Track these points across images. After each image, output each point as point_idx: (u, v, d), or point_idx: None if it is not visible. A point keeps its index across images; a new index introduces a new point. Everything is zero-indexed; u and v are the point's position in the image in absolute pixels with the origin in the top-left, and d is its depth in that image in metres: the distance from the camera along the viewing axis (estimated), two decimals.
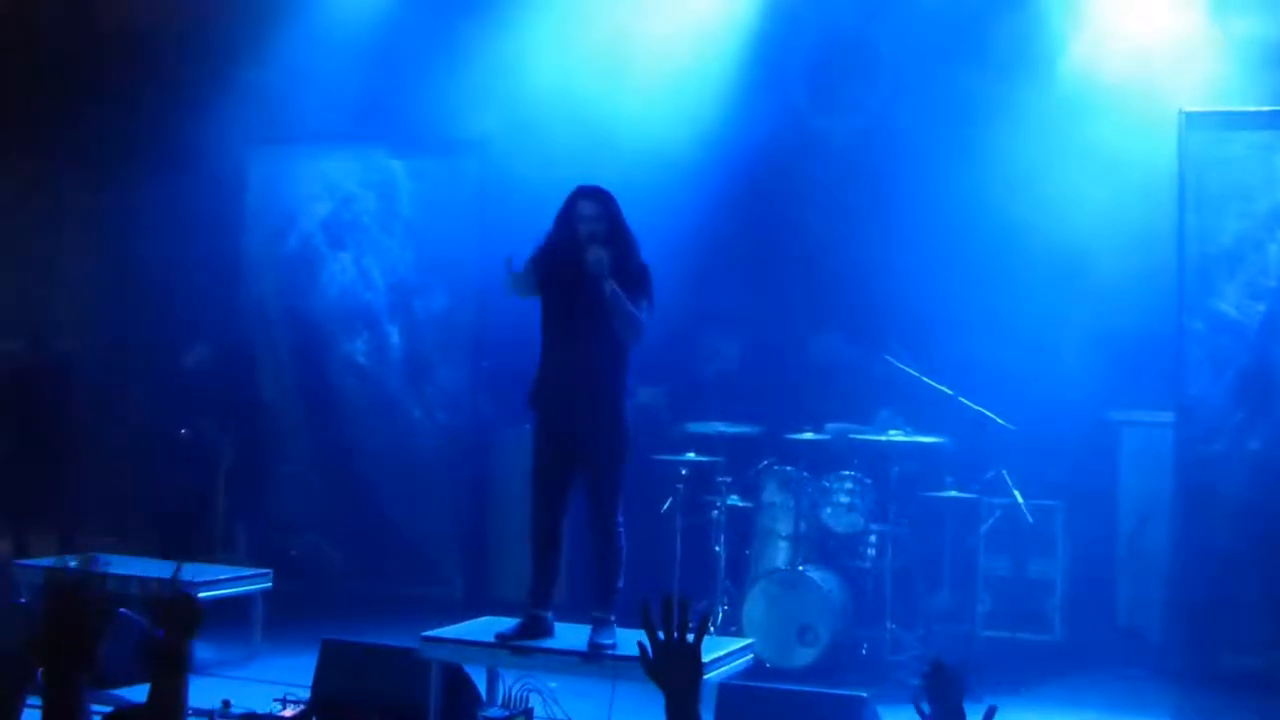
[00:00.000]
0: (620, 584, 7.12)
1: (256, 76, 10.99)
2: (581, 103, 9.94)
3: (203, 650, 8.67)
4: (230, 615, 8.97)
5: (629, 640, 7.10)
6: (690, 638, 3.60)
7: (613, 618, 7.10)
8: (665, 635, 3.60)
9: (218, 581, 8.88)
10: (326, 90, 10.95)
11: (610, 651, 6.98)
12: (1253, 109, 9.16)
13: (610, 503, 7.09)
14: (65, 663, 3.48)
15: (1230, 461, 9.14)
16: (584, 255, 6.93)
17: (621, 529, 7.11)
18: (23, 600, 8.81)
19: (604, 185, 7.16)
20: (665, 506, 9.45)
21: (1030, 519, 9.17)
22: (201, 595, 8.56)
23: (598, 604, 7.13)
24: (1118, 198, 9.37)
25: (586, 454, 7.08)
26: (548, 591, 7.24)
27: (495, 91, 10.23)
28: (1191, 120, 9.16)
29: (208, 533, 11.28)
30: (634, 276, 7.04)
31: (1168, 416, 9.40)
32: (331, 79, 10.87)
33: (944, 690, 3.70)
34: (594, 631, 7.05)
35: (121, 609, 8.44)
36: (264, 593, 9.04)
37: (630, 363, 7.10)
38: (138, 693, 7.91)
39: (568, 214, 7.08)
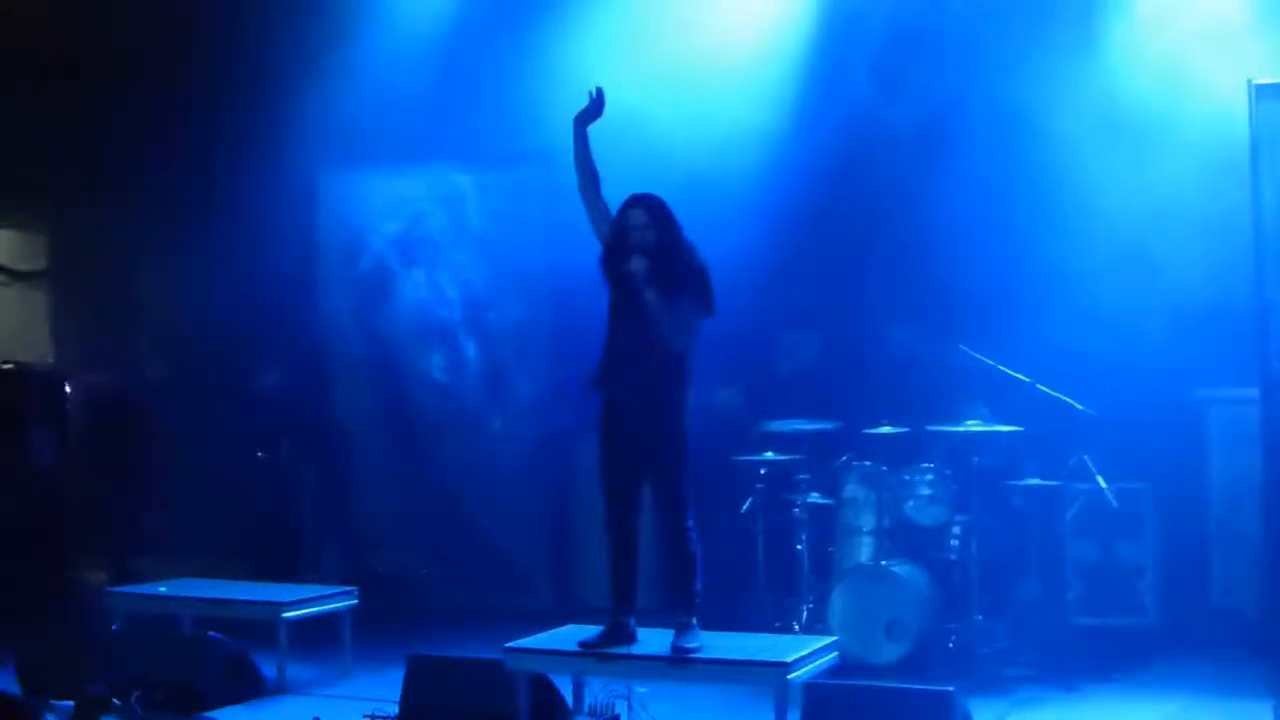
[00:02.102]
0: (699, 586, 7.10)
1: (323, 99, 11.06)
2: (646, 106, 9.92)
3: (294, 669, 8.76)
4: (319, 634, 9.04)
5: (712, 642, 7.10)
6: None
7: (695, 621, 7.08)
8: None
9: (304, 601, 8.94)
10: (392, 109, 11.00)
11: (694, 654, 6.96)
12: None
13: (677, 505, 7.07)
14: None
15: None
16: (625, 265, 6.99)
17: (692, 531, 7.09)
18: (115, 628, 8.91)
19: (655, 186, 7.19)
20: (746, 507, 9.42)
21: (1115, 504, 9.04)
22: (288, 615, 8.69)
23: (678, 608, 7.11)
24: (1191, 173, 9.22)
25: (649, 458, 7.08)
26: (628, 596, 7.23)
27: (558, 100, 10.20)
28: (1261, 91, 9.00)
29: (295, 554, 11.39)
30: (685, 281, 7.04)
31: (1254, 393, 9.23)
32: (396, 98, 10.92)
33: None
34: (677, 635, 7.04)
35: (211, 632, 8.57)
36: (352, 610, 9.09)
37: (690, 365, 7.09)
38: (229, 714, 8.03)
39: (619, 223, 7.13)
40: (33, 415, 11.73)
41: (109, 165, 11.59)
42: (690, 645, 6.99)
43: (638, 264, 6.95)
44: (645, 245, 7.02)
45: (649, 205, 7.14)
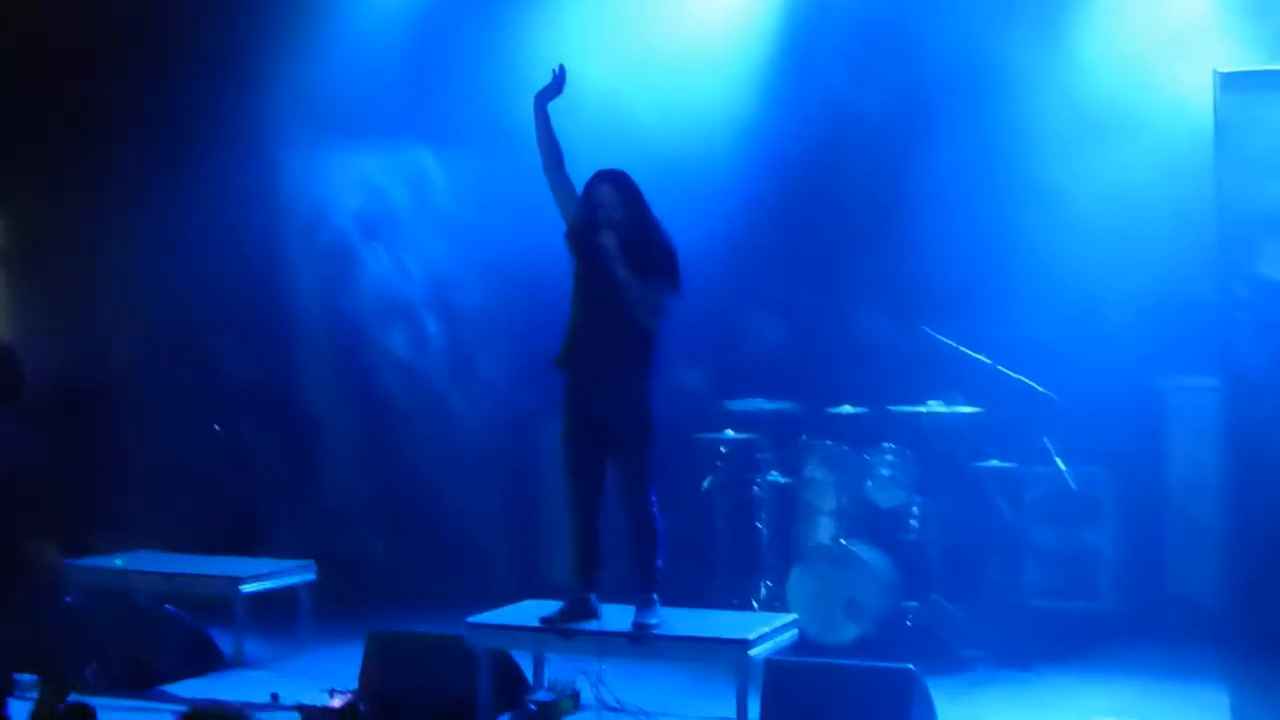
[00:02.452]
0: (660, 563, 7.11)
1: (287, 74, 11.00)
2: (615, 89, 9.92)
3: (251, 645, 8.73)
4: (276, 610, 9.02)
5: (673, 619, 7.10)
6: None
7: (656, 597, 7.09)
8: None
9: (261, 575, 8.92)
10: (358, 84, 10.94)
11: (656, 631, 6.96)
12: None
13: (640, 483, 7.08)
14: None
15: (1278, 423, 9.02)
16: (595, 240, 6.97)
17: (654, 508, 7.09)
18: (69, 600, 8.86)
19: (627, 167, 7.18)
20: (706, 485, 9.43)
21: (1074, 486, 9.09)
22: (246, 589, 8.66)
23: (640, 584, 7.11)
24: (1156, 163, 9.26)
25: (612, 436, 7.08)
26: (589, 573, 7.23)
27: (528, 81, 10.18)
28: (1227, 81, 9.02)
29: (253, 531, 11.33)
30: (653, 258, 7.04)
31: (1213, 381, 9.28)
32: (362, 72, 10.87)
33: None
34: (638, 612, 7.04)
35: (167, 606, 8.53)
36: (310, 585, 9.06)
37: (656, 344, 7.08)
38: (186, 688, 7.99)
39: (587, 198, 7.11)
40: None
41: (67, 141, 11.50)
42: (651, 621, 6.99)
43: (608, 239, 6.93)
44: (613, 222, 7.01)
45: (617, 182, 7.13)
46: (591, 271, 7.08)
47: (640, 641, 6.97)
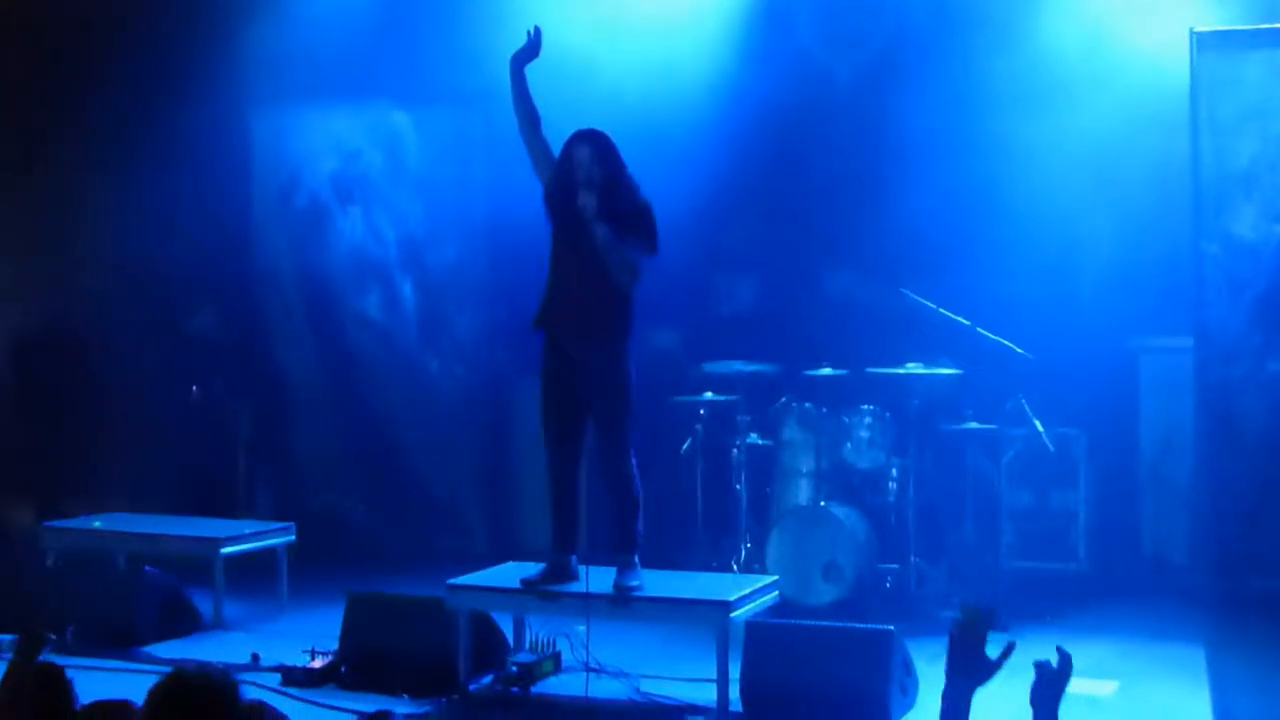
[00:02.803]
0: (640, 526, 7.11)
1: (256, 34, 10.92)
2: (587, 49, 9.86)
3: (229, 606, 8.73)
4: (255, 570, 9.01)
5: (654, 581, 7.12)
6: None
7: (636, 559, 7.10)
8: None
9: (241, 536, 8.91)
10: (330, 44, 10.86)
11: (636, 593, 6.98)
12: (1266, 26, 9.04)
13: (620, 445, 7.07)
14: None
15: (1251, 384, 9.10)
16: (573, 201, 6.95)
17: (634, 470, 7.10)
18: (49, 563, 8.84)
19: (602, 128, 7.15)
20: (684, 448, 9.45)
21: (1051, 448, 9.14)
22: (225, 551, 8.65)
23: (620, 546, 7.12)
24: (1131, 123, 9.30)
25: (590, 396, 7.08)
26: (569, 535, 7.24)
27: (500, 41, 10.11)
28: (1203, 40, 9.06)
29: (229, 493, 11.32)
30: (631, 218, 7.01)
31: (1187, 342, 9.34)
32: (334, 32, 10.79)
33: (972, 634, 3.87)
34: (619, 574, 7.05)
35: (146, 567, 8.51)
36: (289, 547, 9.06)
37: (634, 304, 7.08)
38: (165, 649, 7.99)
39: (564, 159, 7.08)
40: None
41: (36, 98, 11.40)
42: (632, 584, 7.00)
43: (587, 199, 6.91)
44: (591, 182, 6.98)
45: (595, 141, 7.09)
46: (569, 233, 7.06)
47: (621, 603, 6.98)
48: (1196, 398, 9.31)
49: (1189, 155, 9.19)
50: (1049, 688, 3.81)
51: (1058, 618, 8.60)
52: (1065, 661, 3.84)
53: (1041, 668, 3.82)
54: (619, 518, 7.16)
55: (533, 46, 7.25)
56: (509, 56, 7.28)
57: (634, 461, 7.13)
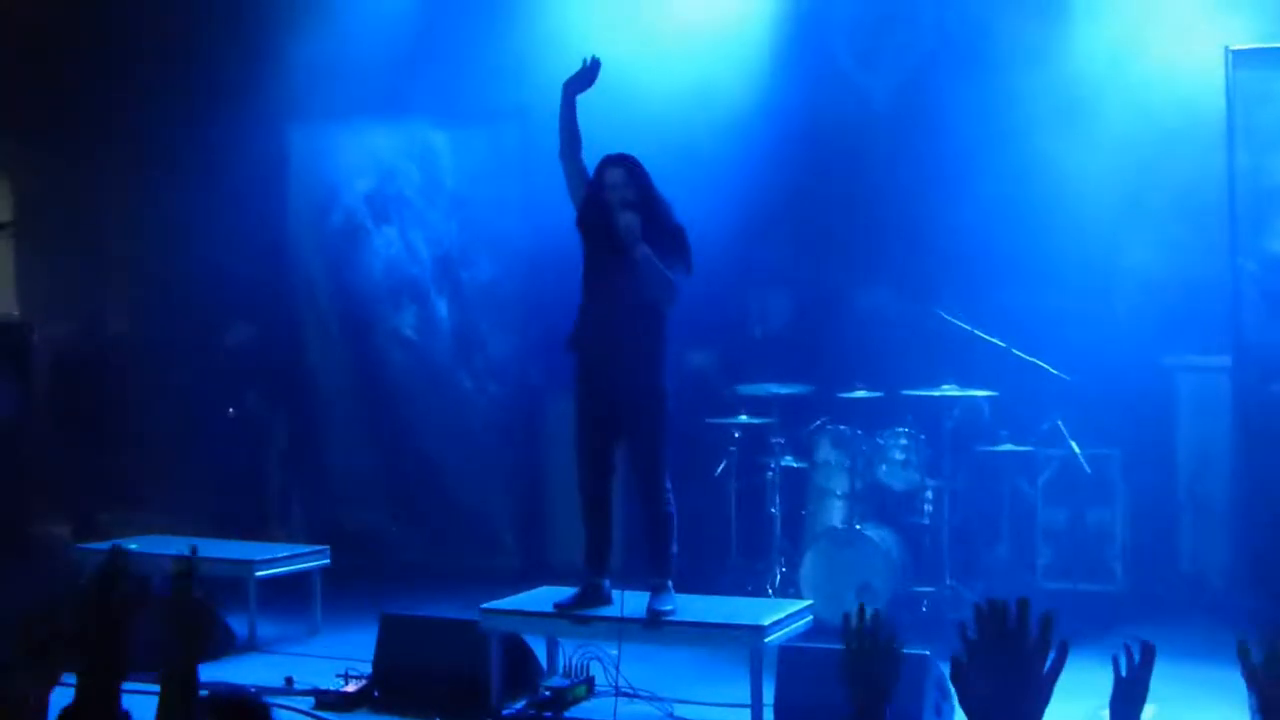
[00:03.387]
0: (674, 549, 7.10)
1: (295, 53, 10.97)
2: (622, 68, 9.82)
3: (264, 628, 8.74)
4: (290, 592, 9.02)
5: (687, 605, 7.10)
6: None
7: (669, 584, 7.08)
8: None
9: (275, 560, 8.91)
10: (368, 63, 10.91)
11: (669, 617, 6.96)
12: None
13: (655, 467, 7.06)
14: (97, 651, 3.45)
15: None
16: (615, 222, 6.93)
17: (669, 493, 7.08)
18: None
19: (638, 147, 7.15)
20: (719, 470, 9.43)
21: (1088, 469, 9.10)
22: (260, 574, 8.65)
23: (654, 570, 7.10)
24: (1166, 140, 9.27)
25: (626, 418, 7.06)
26: (602, 558, 7.22)
27: (535, 59, 10.17)
28: (1238, 58, 9.02)
29: (263, 510, 11.35)
30: (667, 239, 7.01)
31: (1224, 360, 9.29)
32: (372, 51, 10.84)
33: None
34: (652, 598, 7.03)
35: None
36: (322, 569, 9.07)
37: (669, 326, 7.06)
38: (201, 671, 7.98)
39: (596, 183, 7.08)
40: None
41: (78, 115, 11.49)
42: (665, 608, 6.98)
43: (630, 219, 6.89)
44: (627, 203, 6.97)
45: (627, 163, 7.09)
46: (602, 255, 7.05)
47: (655, 627, 6.96)
48: (1234, 415, 9.25)
49: (1225, 172, 9.13)
50: (1132, 687, 3.30)
51: (1095, 639, 8.53)
52: (1148, 654, 3.32)
53: (1120, 666, 3.29)
54: (653, 541, 7.14)
55: (588, 76, 7.20)
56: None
57: (669, 485, 7.11)
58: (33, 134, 11.76)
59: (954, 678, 3.22)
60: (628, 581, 7.28)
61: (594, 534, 7.26)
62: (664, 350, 7.08)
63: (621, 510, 7.48)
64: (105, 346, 12.09)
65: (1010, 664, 3.13)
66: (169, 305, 11.72)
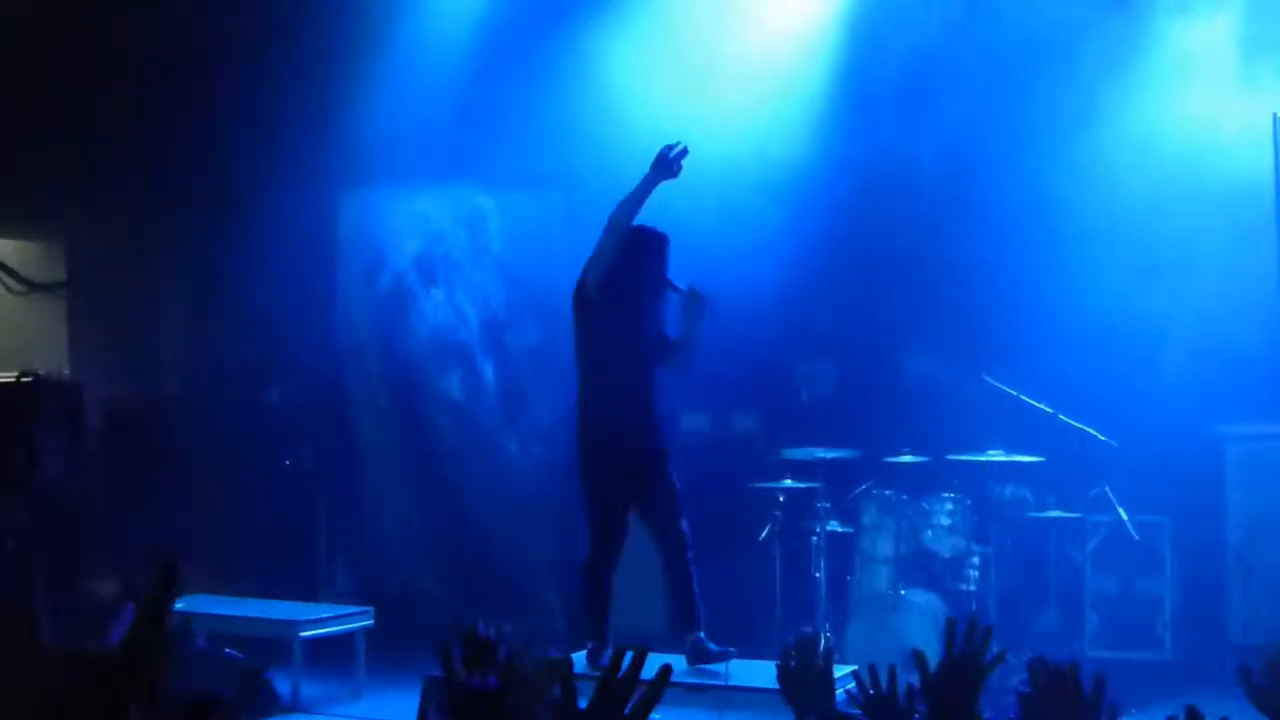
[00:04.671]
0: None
1: (347, 118, 11.07)
2: (667, 132, 9.91)
3: (308, 688, 8.74)
4: (334, 653, 9.03)
5: (740, 670, 7.07)
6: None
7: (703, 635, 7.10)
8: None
9: (320, 620, 8.94)
10: (416, 128, 11.00)
11: (718, 681, 6.94)
12: None
13: (677, 509, 7.13)
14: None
15: None
16: (694, 296, 7.06)
17: (689, 535, 7.15)
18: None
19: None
20: (764, 534, 9.40)
21: (1136, 536, 9.02)
22: (305, 635, 8.67)
23: (690, 624, 7.11)
24: (1215, 204, 9.24)
25: (643, 495, 7.13)
26: (601, 629, 7.38)
27: (581, 123, 10.25)
28: None
29: (310, 570, 11.37)
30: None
31: (1273, 427, 9.22)
32: (420, 116, 10.92)
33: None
34: (697, 656, 7.03)
35: (226, 649, 8.55)
36: (367, 630, 9.07)
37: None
38: None
39: (649, 256, 7.14)
40: (49, 427, 11.72)
41: (131, 177, 11.62)
42: (717, 669, 6.98)
43: (699, 300, 7.04)
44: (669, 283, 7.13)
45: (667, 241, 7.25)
46: (620, 330, 7.11)
47: (702, 691, 6.93)
48: None
49: (1274, 236, 9.10)
50: None
51: (1143, 709, 8.45)
52: None
53: None
54: (683, 591, 7.16)
55: (676, 165, 7.21)
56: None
57: (688, 529, 7.18)
58: (87, 196, 11.89)
59: None
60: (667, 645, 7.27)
61: (594, 607, 7.48)
62: (674, 413, 7.24)
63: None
64: (155, 406, 12.16)
65: None
66: (219, 366, 11.80)
